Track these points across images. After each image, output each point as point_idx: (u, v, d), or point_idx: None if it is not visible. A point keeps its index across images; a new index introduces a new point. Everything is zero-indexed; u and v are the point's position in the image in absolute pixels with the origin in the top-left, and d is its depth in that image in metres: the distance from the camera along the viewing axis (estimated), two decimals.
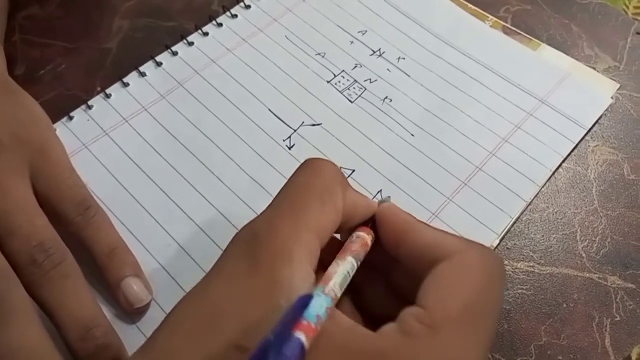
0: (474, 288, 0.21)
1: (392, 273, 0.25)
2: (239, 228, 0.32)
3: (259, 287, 0.20)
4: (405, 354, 0.19)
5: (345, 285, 0.22)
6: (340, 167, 0.35)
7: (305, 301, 0.19)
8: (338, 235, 0.26)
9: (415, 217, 0.24)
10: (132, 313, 0.30)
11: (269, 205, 0.22)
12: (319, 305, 0.19)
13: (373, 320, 0.22)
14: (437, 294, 0.21)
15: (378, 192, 0.35)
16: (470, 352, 0.20)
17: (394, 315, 0.21)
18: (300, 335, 0.18)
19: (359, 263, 0.23)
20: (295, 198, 0.22)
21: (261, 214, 0.22)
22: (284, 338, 0.18)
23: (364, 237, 0.24)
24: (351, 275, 0.22)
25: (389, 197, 0.31)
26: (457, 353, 0.19)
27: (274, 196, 0.23)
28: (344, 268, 0.22)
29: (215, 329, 0.19)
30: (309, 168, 0.24)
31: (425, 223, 0.24)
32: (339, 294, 0.21)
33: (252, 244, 0.21)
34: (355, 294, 0.25)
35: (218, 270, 0.21)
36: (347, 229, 0.25)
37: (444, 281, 0.21)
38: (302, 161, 0.35)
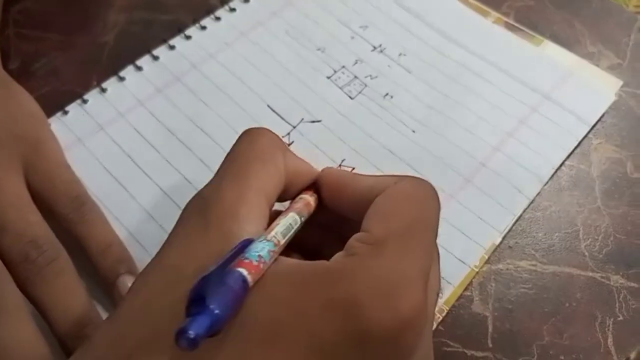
0: (409, 206, 0.22)
1: (342, 233, 0.26)
2: None
3: (212, 242, 0.21)
4: (353, 271, 0.20)
5: (288, 236, 0.22)
6: (341, 165, 0.35)
7: (246, 244, 0.20)
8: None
9: (352, 172, 0.26)
10: None
11: (214, 175, 0.24)
12: (261, 247, 0.20)
13: None
14: (376, 217, 0.22)
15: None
16: (412, 259, 0.20)
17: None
18: (242, 270, 0.19)
19: (302, 219, 0.24)
20: (237, 164, 0.23)
21: (208, 183, 0.23)
22: (226, 272, 0.19)
23: (305, 198, 0.25)
24: (294, 228, 0.23)
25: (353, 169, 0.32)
26: (400, 265, 0.20)
27: (222, 162, 0.24)
28: (285, 220, 0.23)
29: (175, 286, 0.19)
30: (247, 136, 0.25)
31: (359, 174, 0.26)
32: (282, 241, 0.22)
33: (202, 208, 0.22)
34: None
35: (173, 235, 0.22)
36: (292, 195, 0.26)
37: (382, 207, 0.23)
38: (301, 157, 0.35)
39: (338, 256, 0.21)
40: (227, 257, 0.19)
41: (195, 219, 0.22)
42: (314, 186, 0.26)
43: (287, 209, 0.24)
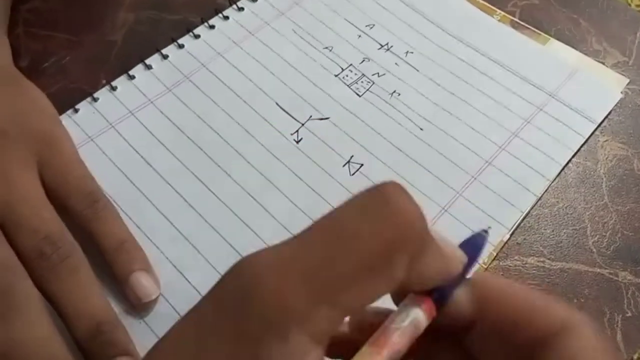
0: None
1: (466, 337, 0.19)
2: (247, 222, 0.33)
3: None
4: None
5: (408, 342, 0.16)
6: (349, 161, 0.35)
7: None
8: None
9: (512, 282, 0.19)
10: (139, 308, 0.30)
11: (292, 240, 0.15)
12: None
13: None
14: None
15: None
16: None
17: None
18: None
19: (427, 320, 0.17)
20: (331, 247, 0.15)
21: (275, 251, 0.15)
22: None
23: (417, 322, 0.17)
24: (420, 330, 0.16)
25: (488, 229, 0.20)
26: None
27: (309, 226, 0.15)
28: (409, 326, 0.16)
29: None
30: (372, 207, 0.15)
31: (524, 287, 0.19)
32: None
33: (245, 297, 0.14)
34: None
35: (196, 325, 0.15)
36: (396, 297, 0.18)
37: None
38: (310, 155, 0.36)
39: None
40: None
41: (228, 311, 0.15)
42: (438, 293, 0.17)
43: (383, 336, 0.16)
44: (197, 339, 0.15)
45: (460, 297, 0.18)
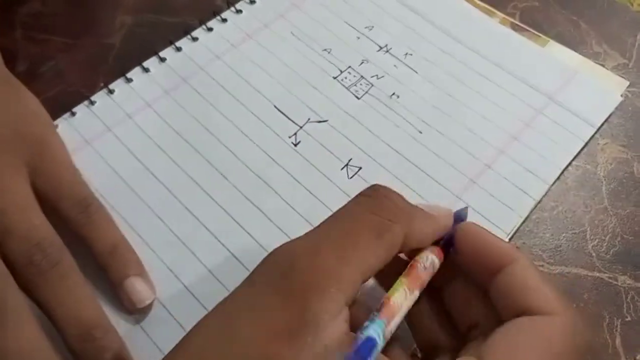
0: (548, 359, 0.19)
1: (445, 291, 0.25)
2: (244, 226, 0.33)
3: (287, 324, 0.18)
4: None
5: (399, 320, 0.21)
6: (348, 164, 0.35)
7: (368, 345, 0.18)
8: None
9: (512, 247, 0.23)
10: (135, 313, 0.30)
11: (316, 228, 0.21)
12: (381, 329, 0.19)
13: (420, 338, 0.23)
14: (507, 351, 0.19)
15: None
16: None
17: (441, 339, 0.22)
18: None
19: (416, 295, 0.22)
20: (347, 230, 0.21)
21: (304, 238, 0.21)
22: None
23: (434, 264, 0.23)
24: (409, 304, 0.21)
25: (466, 208, 0.26)
26: None
27: (326, 219, 0.21)
28: (409, 302, 0.21)
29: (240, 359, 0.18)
30: (371, 199, 0.22)
31: (528, 260, 0.23)
32: (393, 330, 0.20)
33: (287, 274, 0.19)
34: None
35: (246, 295, 0.20)
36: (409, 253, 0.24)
37: (520, 341, 0.20)
38: (308, 158, 0.36)
39: None
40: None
41: (274, 280, 0.19)
42: (444, 241, 0.24)
43: (414, 278, 0.22)
44: (249, 300, 0.19)
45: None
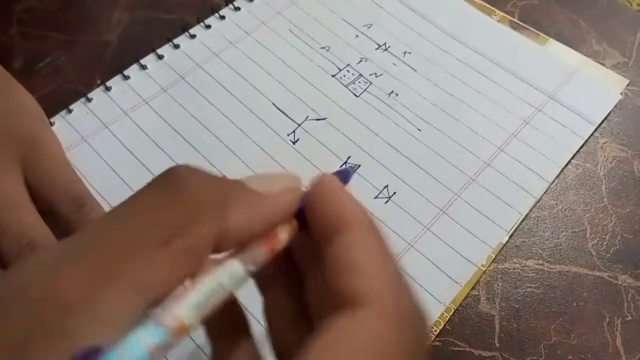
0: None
1: (306, 281, 0.20)
2: None
3: (37, 354, 0.13)
4: None
5: (213, 303, 0.15)
6: (347, 162, 0.35)
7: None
8: None
9: (358, 206, 0.18)
10: None
11: (70, 239, 0.15)
12: (130, 346, 0.13)
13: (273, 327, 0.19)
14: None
15: (384, 187, 0.34)
16: None
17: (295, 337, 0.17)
18: None
19: (251, 270, 0.17)
20: (115, 241, 0.15)
21: (51, 253, 0.15)
22: None
23: (273, 234, 0.18)
24: (229, 285, 0.16)
25: (358, 166, 0.25)
26: None
27: (95, 221, 0.16)
28: (205, 283, 0.15)
29: None
30: (168, 187, 0.16)
31: (368, 218, 0.18)
32: (190, 321, 0.14)
33: (34, 297, 0.13)
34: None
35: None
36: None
37: (333, 349, 0.15)
38: (306, 156, 0.35)
39: None
40: None
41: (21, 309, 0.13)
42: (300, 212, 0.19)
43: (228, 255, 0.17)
44: None
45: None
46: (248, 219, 0.17)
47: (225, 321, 0.19)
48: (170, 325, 0.14)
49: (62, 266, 0.14)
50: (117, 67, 0.39)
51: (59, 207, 0.30)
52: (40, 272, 0.14)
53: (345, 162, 0.35)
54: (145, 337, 0.13)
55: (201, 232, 0.16)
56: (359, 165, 0.35)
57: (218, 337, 0.19)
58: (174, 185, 0.16)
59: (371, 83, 0.39)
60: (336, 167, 0.35)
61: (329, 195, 0.18)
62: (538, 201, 0.35)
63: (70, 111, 0.36)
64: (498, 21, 0.42)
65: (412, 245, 0.32)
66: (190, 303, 0.14)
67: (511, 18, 0.43)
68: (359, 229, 0.17)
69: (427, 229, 0.33)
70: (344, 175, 0.21)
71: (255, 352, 0.19)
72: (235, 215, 0.17)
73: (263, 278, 0.20)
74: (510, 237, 0.33)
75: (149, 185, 0.16)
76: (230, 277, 0.16)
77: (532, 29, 0.42)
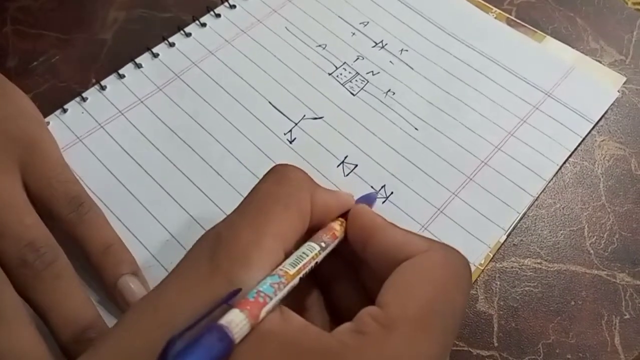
0: (433, 287, 0.20)
1: (360, 273, 0.25)
2: None
3: (214, 289, 0.19)
4: (354, 352, 0.18)
5: (303, 264, 0.21)
6: (343, 162, 0.35)
7: (233, 295, 0.19)
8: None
9: (385, 219, 0.24)
10: None
11: (233, 211, 0.22)
12: (262, 282, 0.19)
13: (343, 320, 0.21)
14: (395, 293, 0.20)
15: (382, 187, 0.34)
16: (423, 353, 0.19)
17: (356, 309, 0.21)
18: (228, 322, 0.18)
19: (322, 246, 0.23)
20: (259, 205, 0.22)
21: (226, 218, 0.22)
22: (206, 329, 0.17)
23: (331, 226, 0.24)
24: (310, 256, 0.22)
25: (379, 190, 0.32)
26: (409, 353, 0.18)
27: (240, 202, 0.23)
28: (299, 251, 0.22)
29: (165, 329, 0.18)
30: (275, 175, 0.24)
31: (394, 225, 0.24)
32: (291, 271, 0.21)
33: (213, 248, 0.20)
34: (326, 294, 0.26)
35: (178, 271, 0.21)
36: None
37: (403, 280, 0.21)
38: (303, 155, 0.35)
39: (344, 330, 0.19)
40: (208, 309, 0.18)
41: (202, 258, 0.20)
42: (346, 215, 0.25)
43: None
44: (178, 276, 0.20)
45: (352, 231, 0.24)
46: (328, 198, 0.24)
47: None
48: (281, 273, 0.20)
49: (238, 226, 0.21)
50: (113, 66, 0.38)
51: (57, 208, 0.29)
52: (226, 231, 0.21)
53: (343, 162, 0.35)
54: (270, 280, 0.19)
55: (303, 198, 0.23)
56: (356, 165, 0.35)
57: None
58: (280, 173, 0.24)
59: (368, 81, 0.39)
60: (333, 166, 0.35)
61: (363, 211, 0.25)
62: (536, 200, 0.34)
63: (65, 110, 0.36)
64: (495, 18, 0.42)
65: None
66: (289, 262, 0.21)
67: (508, 15, 0.43)
68: (388, 225, 0.24)
69: (425, 228, 0.33)
70: (369, 199, 0.27)
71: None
72: (320, 193, 0.24)
73: (330, 274, 0.26)
74: (508, 236, 0.33)
75: (264, 177, 0.24)
76: (310, 250, 0.22)
77: (529, 26, 0.42)
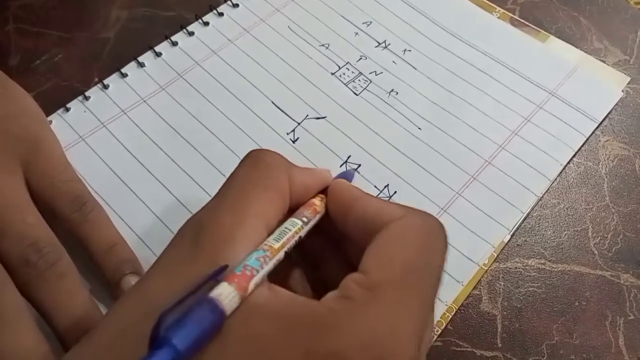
0: (412, 250, 0.21)
1: (343, 247, 0.26)
2: None
3: (198, 270, 0.19)
4: (341, 317, 0.19)
5: (287, 239, 0.22)
6: (346, 162, 0.35)
7: (222, 269, 0.19)
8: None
9: (362, 191, 0.25)
10: None
11: (213, 197, 0.23)
12: (249, 257, 0.20)
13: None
14: (376, 258, 0.21)
15: (385, 186, 0.34)
16: (409, 313, 0.19)
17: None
18: (218, 295, 0.18)
19: (305, 221, 0.23)
20: (237, 189, 0.22)
21: (205, 205, 0.22)
22: (198, 301, 0.17)
23: (311, 202, 0.25)
24: (292, 231, 0.22)
25: (358, 167, 0.33)
26: (395, 314, 0.19)
27: (219, 188, 0.23)
28: (282, 226, 0.22)
29: (151, 316, 0.18)
30: (251, 159, 0.24)
31: (371, 195, 0.24)
32: (275, 245, 0.21)
33: (194, 232, 0.21)
34: (312, 271, 0.26)
35: (162, 259, 0.21)
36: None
37: (384, 246, 0.21)
38: (306, 155, 0.35)
39: (330, 297, 0.20)
40: (196, 285, 0.18)
41: (185, 243, 0.21)
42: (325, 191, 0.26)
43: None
44: (162, 262, 0.21)
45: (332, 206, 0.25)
46: (305, 175, 0.25)
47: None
48: (265, 248, 0.20)
49: (220, 210, 0.21)
50: (115, 65, 0.38)
51: (60, 207, 0.29)
52: (208, 216, 0.21)
53: (346, 162, 0.35)
54: (256, 254, 0.20)
55: (281, 178, 0.23)
56: (359, 165, 0.35)
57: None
58: (255, 157, 0.24)
59: (371, 81, 0.38)
60: (336, 166, 0.35)
61: (341, 185, 0.25)
62: (540, 199, 0.34)
63: (67, 109, 0.36)
64: (498, 18, 0.42)
65: None
66: (272, 237, 0.21)
67: (512, 15, 0.42)
68: (364, 195, 0.24)
69: None
70: (347, 176, 0.27)
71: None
72: (297, 172, 0.24)
73: (315, 250, 0.27)
74: (512, 236, 0.33)
75: (240, 163, 0.24)
76: (292, 225, 0.22)
77: (532, 26, 0.42)
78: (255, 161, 0.24)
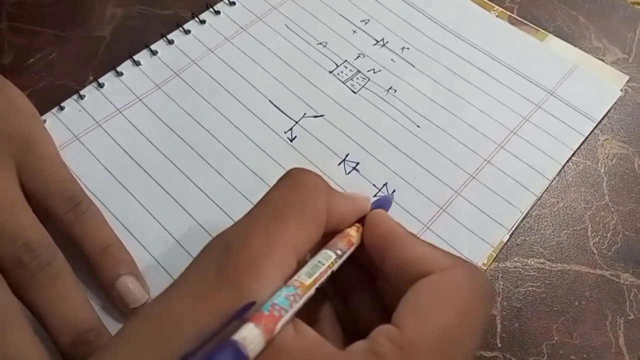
0: (453, 311, 0.20)
1: (377, 280, 0.25)
2: None
3: (223, 301, 0.18)
4: None
5: (319, 274, 0.21)
6: (345, 160, 0.34)
7: (247, 308, 0.18)
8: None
9: (405, 229, 0.23)
10: (128, 314, 0.29)
11: (245, 215, 0.22)
12: (278, 294, 0.19)
13: (359, 329, 0.21)
14: (413, 313, 0.20)
15: (384, 185, 0.34)
16: None
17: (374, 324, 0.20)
18: (241, 339, 0.17)
19: (338, 254, 0.22)
20: (272, 211, 0.21)
21: (236, 223, 0.21)
22: (218, 347, 0.16)
23: (347, 232, 0.23)
24: (325, 265, 0.21)
25: (393, 192, 0.32)
26: None
27: (253, 206, 0.22)
28: (314, 259, 0.21)
29: (171, 344, 0.17)
30: (289, 180, 0.23)
31: (414, 235, 0.23)
32: (307, 282, 0.20)
33: (222, 256, 0.20)
34: (341, 301, 0.25)
35: (184, 280, 0.20)
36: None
37: (422, 300, 0.20)
38: (304, 153, 0.35)
39: (358, 350, 0.19)
40: (221, 325, 0.17)
41: (211, 267, 0.19)
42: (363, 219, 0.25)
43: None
44: (186, 285, 0.20)
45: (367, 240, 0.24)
46: (344, 204, 0.23)
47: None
48: (296, 284, 0.20)
49: (250, 232, 0.20)
50: (110, 64, 0.38)
51: (54, 207, 0.29)
52: (236, 238, 0.20)
53: (344, 160, 0.34)
54: (286, 292, 0.19)
55: (319, 205, 0.22)
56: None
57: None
58: (295, 178, 0.23)
59: (369, 79, 0.38)
60: (336, 165, 0.34)
61: (380, 218, 0.24)
62: (539, 199, 0.34)
63: (62, 108, 0.36)
64: (497, 16, 0.42)
65: None
66: (304, 272, 0.20)
67: (510, 14, 0.42)
68: (409, 236, 0.23)
69: (427, 227, 0.32)
70: (384, 203, 0.26)
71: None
72: (336, 199, 0.23)
73: (346, 281, 0.25)
74: (511, 235, 0.33)
75: (278, 182, 0.23)
76: (325, 258, 0.22)
77: (531, 24, 0.42)
78: (294, 183, 0.22)
